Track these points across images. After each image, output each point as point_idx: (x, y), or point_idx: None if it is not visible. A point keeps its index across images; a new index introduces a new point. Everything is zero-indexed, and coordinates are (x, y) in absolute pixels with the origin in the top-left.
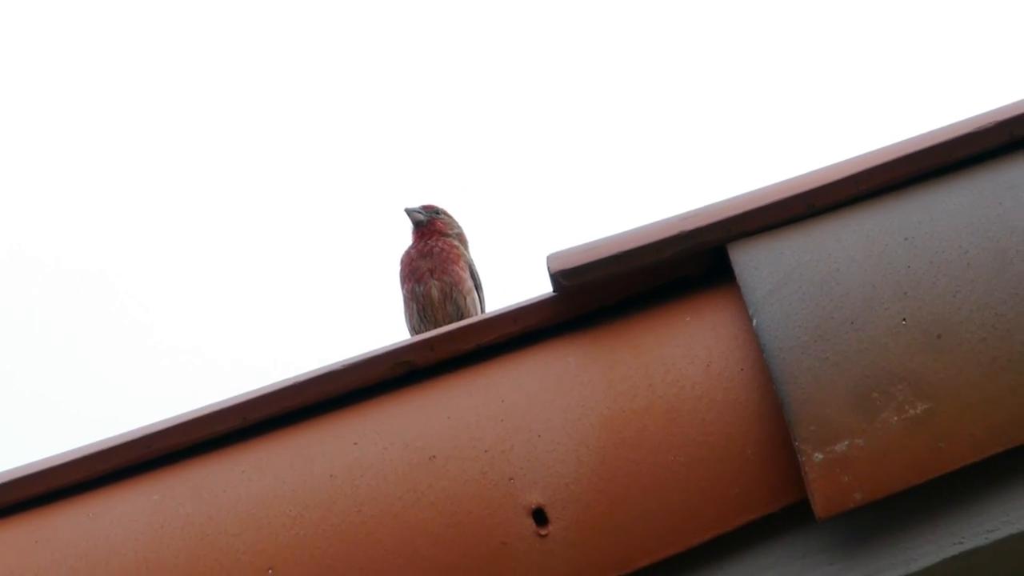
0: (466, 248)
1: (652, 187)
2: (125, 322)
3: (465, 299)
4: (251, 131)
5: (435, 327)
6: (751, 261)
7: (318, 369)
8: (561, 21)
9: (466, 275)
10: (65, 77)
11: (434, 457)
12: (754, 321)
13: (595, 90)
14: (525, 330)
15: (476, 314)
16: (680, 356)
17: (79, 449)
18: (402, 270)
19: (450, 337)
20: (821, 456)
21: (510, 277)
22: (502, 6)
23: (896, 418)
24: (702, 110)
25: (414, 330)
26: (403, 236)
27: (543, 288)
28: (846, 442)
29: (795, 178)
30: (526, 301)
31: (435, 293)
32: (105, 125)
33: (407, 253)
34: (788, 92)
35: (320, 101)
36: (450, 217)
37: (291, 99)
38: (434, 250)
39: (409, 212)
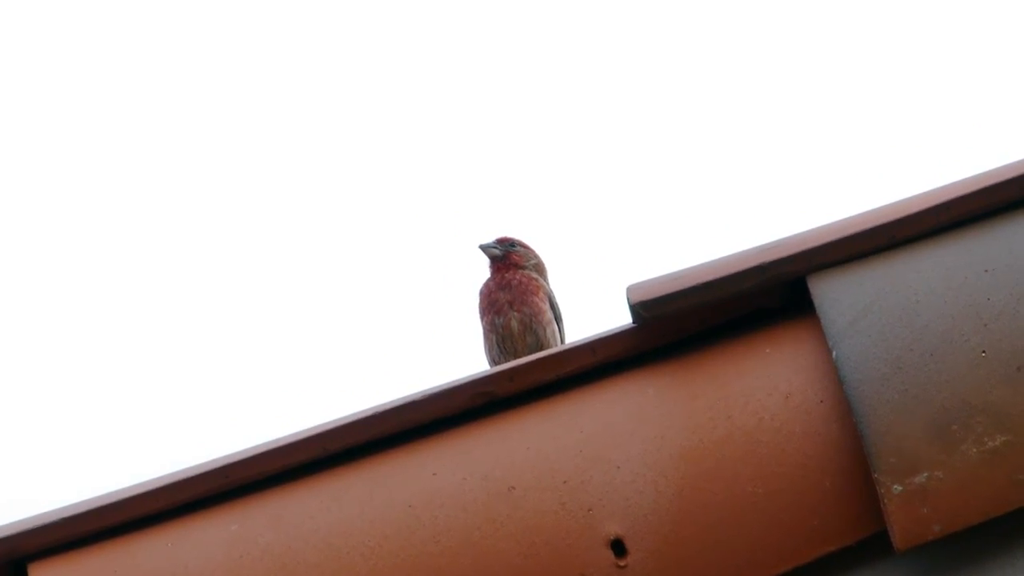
0: (545, 278)
1: (730, 218)
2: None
3: (545, 330)
4: (305, 160)
5: (515, 358)
6: (831, 292)
7: (399, 399)
8: (638, 51)
9: (545, 306)
10: (65, 77)
11: (513, 488)
12: (834, 353)
13: (676, 122)
14: (605, 361)
15: (556, 345)
16: (759, 388)
17: (159, 479)
18: (481, 302)
19: (530, 368)
20: (900, 488)
21: (590, 308)
22: (574, 43)
23: (975, 450)
24: (775, 139)
25: (494, 362)
26: (479, 272)
27: (622, 320)
28: (925, 474)
29: (875, 209)
30: (606, 332)
31: (515, 325)
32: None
33: (486, 285)
34: (867, 121)
35: (391, 144)
36: (526, 248)
37: (362, 141)
38: (512, 282)
39: (484, 248)
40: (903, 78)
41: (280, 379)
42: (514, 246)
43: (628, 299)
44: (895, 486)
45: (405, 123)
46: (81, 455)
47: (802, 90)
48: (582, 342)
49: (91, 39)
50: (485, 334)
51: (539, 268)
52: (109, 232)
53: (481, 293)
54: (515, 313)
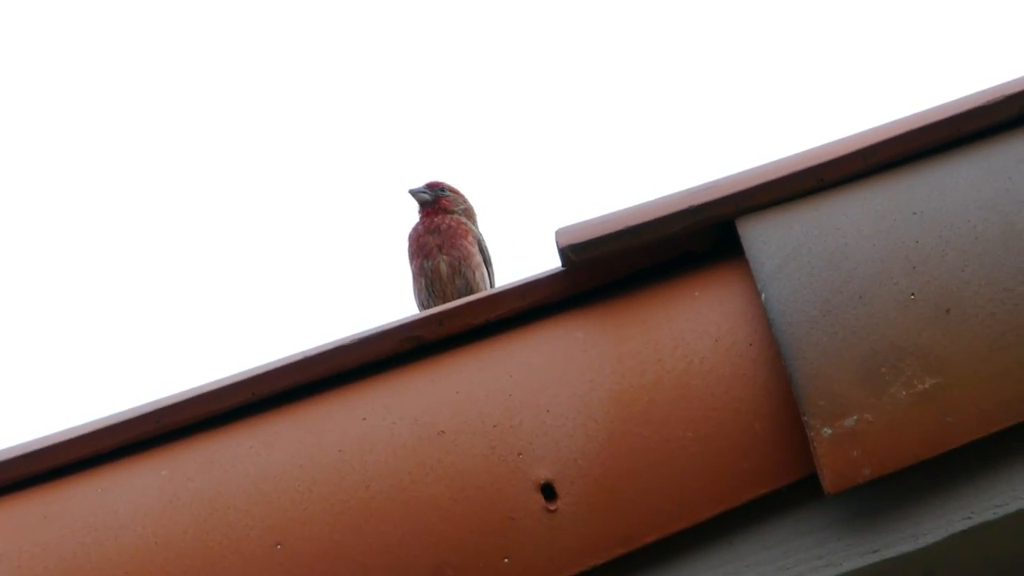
0: (474, 223)
1: (659, 162)
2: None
3: (474, 273)
4: (251, 123)
5: (444, 302)
6: (760, 236)
7: (327, 344)
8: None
9: (475, 250)
10: (66, 77)
11: (443, 432)
12: (763, 296)
13: (606, 67)
14: (534, 305)
15: (485, 289)
16: (689, 331)
17: (87, 424)
18: (410, 246)
19: (459, 312)
20: (830, 431)
21: (521, 251)
22: None
23: (905, 393)
24: (710, 86)
25: (423, 305)
26: (409, 217)
27: (552, 263)
28: (855, 417)
29: (804, 152)
30: (535, 276)
31: (444, 268)
32: (104, 128)
33: (415, 229)
34: (795, 67)
35: (319, 91)
36: (456, 193)
37: (291, 90)
38: (441, 226)
39: (414, 193)
40: (831, 19)
41: (210, 323)
42: (443, 191)
43: (557, 242)
44: (824, 429)
45: (336, 66)
46: (13, 401)
47: (731, 33)
48: (511, 286)
49: (91, 39)
50: (414, 277)
51: (468, 213)
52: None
53: (410, 237)
54: (444, 256)
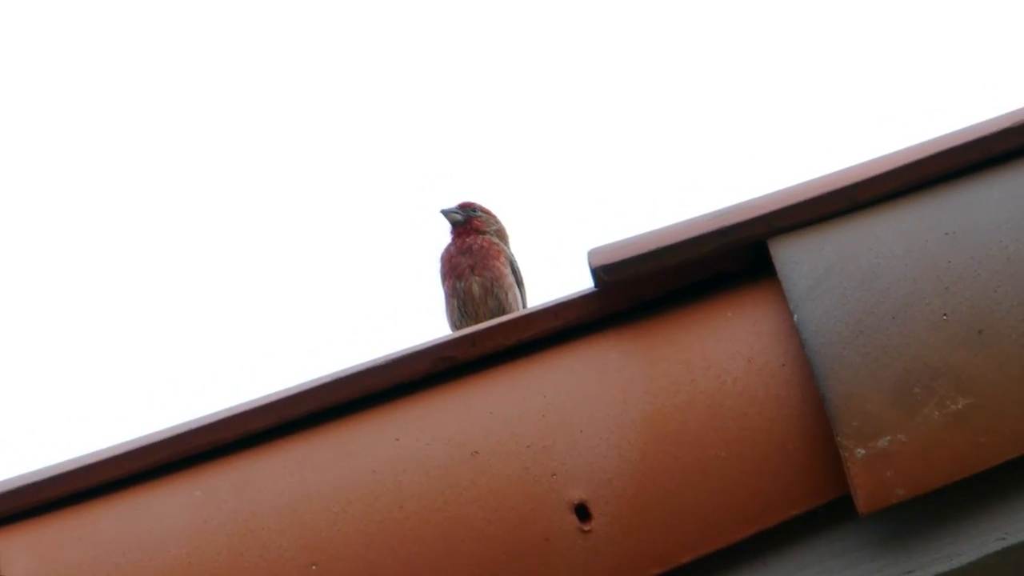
0: (506, 243)
1: (690, 182)
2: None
3: (506, 294)
4: (284, 144)
5: (476, 323)
6: (792, 256)
7: (360, 365)
8: (607, 15)
9: (507, 271)
10: (66, 79)
11: (476, 453)
12: (795, 316)
13: (636, 87)
14: (566, 325)
15: (518, 309)
16: (721, 351)
17: (121, 445)
18: (442, 267)
19: (491, 332)
20: (863, 451)
21: (552, 272)
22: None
23: (938, 413)
24: (740, 106)
25: (455, 327)
26: (440, 237)
27: (584, 284)
28: (888, 437)
29: (836, 173)
30: (567, 296)
31: (476, 289)
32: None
33: (446, 250)
34: (826, 87)
35: (349, 111)
36: (488, 214)
37: (321, 109)
38: (473, 247)
39: (445, 213)
40: (861, 41)
41: (242, 345)
42: (475, 211)
43: (589, 263)
44: (858, 449)
45: (367, 89)
46: (45, 423)
47: (762, 53)
48: (544, 306)
49: (91, 39)
50: (446, 299)
51: (500, 233)
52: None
53: (442, 258)
54: (476, 277)
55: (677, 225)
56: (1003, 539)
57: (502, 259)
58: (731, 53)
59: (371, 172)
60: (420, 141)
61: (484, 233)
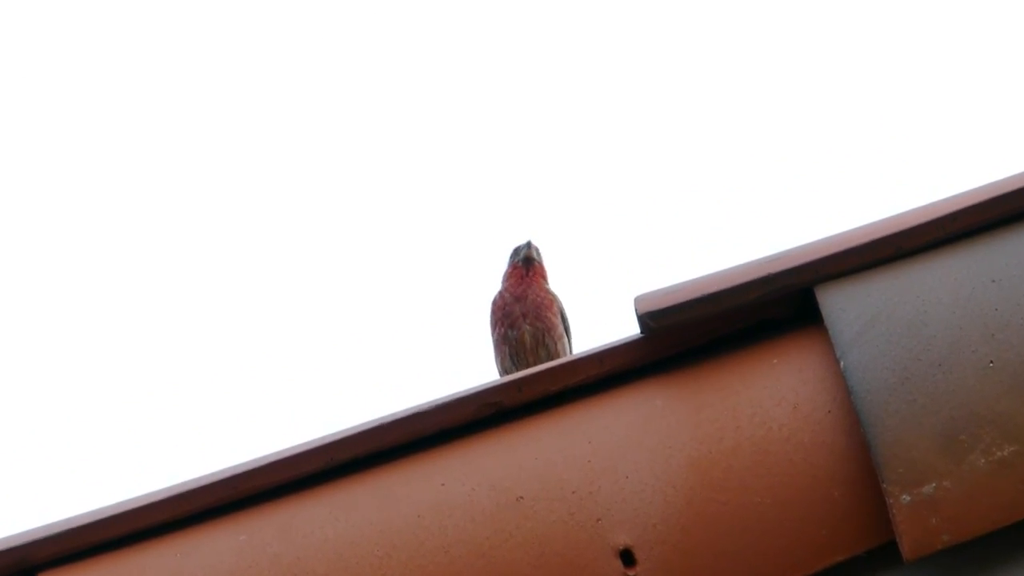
0: (546, 283)
1: (740, 228)
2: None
3: (556, 344)
4: (313, 163)
5: None
6: (839, 303)
7: (405, 410)
8: (654, 59)
9: (558, 320)
10: (67, 80)
11: (522, 498)
12: (841, 363)
13: (682, 132)
14: (612, 371)
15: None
16: (767, 398)
17: (167, 489)
18: (494, 313)
19: (537, 378)
20: (909, 498)
21: (597, 318)
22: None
23: (983, 460)
24: (787, 151)
25: (505, 373)
26: (485, 280)
27: (629, 330)
28: (934, 484)
29: (882, 220)
30: (613, 342)
31: (528, 338)
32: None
33: (500, 296)
34: (875, 135)
35: (385, 146)
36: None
37: (362, 144)
38: (528, 295)
39: (518, 250)
40: (910, 88)
41: (289, 389)
42: (539, 255)
43: (636, 309)
44: (903, 496)
45: (411, 129)
46: (91, 464)
47: (810, 100)
48: (590, 352)
49: (91, 39)
50: (496, 346)
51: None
52: (116, 237)
53: (495, 303)
54: (528, 327)
55: (724, 272)
56: None
57: (554, 309)
58: (778, 100)
59: (420, 214)
60: (466, 182)
61: (544, 280)
